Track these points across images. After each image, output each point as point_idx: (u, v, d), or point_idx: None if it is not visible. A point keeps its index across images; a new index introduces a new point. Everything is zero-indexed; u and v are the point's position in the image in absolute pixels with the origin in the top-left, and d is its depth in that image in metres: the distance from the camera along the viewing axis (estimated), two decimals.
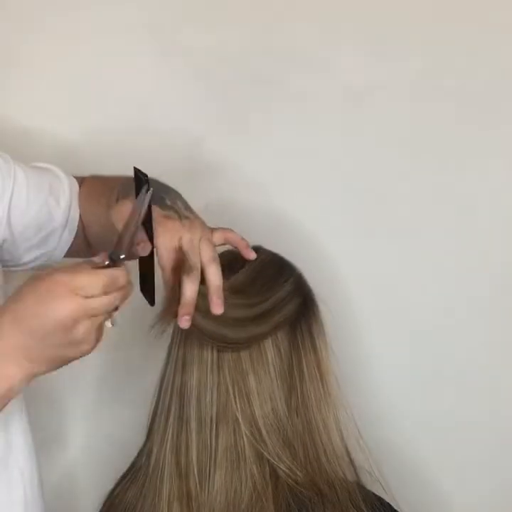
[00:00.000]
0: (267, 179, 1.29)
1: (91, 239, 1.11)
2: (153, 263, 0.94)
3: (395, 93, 1.25)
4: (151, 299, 0.94)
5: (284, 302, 0.99)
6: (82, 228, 1.11)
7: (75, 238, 1.10)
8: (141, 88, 1.29)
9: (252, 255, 0.99)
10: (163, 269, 0.92)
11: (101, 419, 1.33)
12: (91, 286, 0.79)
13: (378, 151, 1.27)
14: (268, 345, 0.97)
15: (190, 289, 0.90)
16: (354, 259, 1.29)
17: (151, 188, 0.89)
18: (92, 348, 0.82)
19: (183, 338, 0.98)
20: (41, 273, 0.81)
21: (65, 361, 0.83)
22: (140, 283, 0.95)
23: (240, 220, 1.26)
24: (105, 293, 0.80)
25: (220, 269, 0.92)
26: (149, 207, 0.90)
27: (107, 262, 0.82)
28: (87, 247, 1.12)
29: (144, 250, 0.91)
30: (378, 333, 1.30)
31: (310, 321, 1.00)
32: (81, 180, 1.13)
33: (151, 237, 0.92)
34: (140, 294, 1.25)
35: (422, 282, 1.29)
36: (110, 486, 1.06)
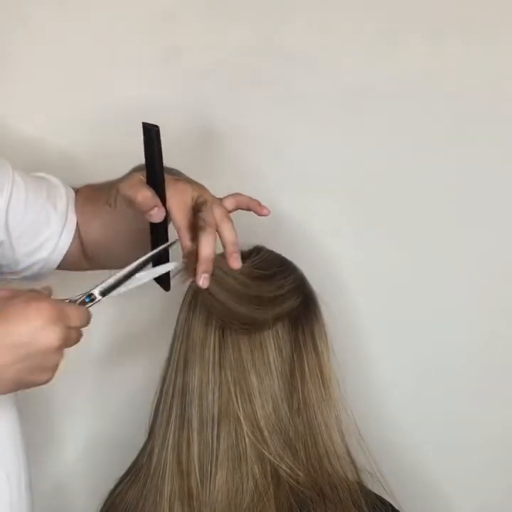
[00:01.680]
0: (267, 179, 1.29)
1: (88, 247, 1.11)
2: (166, 235, 0.93)
3: (395, 93, 1.25)
4: (165, 283, 0.93)
5: (287, 295, 1.00)
6: (79, 237, 1.10)
7: (71, 246, 1.09)
8: (140, 88, 1.28)
9: (265, 211, 1.00)
10: (178, 229, 0.91)
11: (101, 419, 1.33)
12: (77, 318, 0.83)
13: (379, 151, 1.27)
14: (270, 345, 0.97)
15: (207, 245, 0.89)
16: (355, 260, 1.29)
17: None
18: (50, 379, 0.84)
19: (185, 337, 0.99)
20: (28, 294, 0.83)
21: (23, 386, 0.84)
22: (152, 265, 0.94)
23: (240, 221, 1.26)
24: (83, 326, 0.84)
25: (234, 226, 0.92)
26: (161, 168, 0.90)
27: (80, 299, 0.86)
28: (83, 256, 1.11)
29: (157, 215, 0.91)
30: (379, 334, 1.30)
31: (312, 322, 1.01)
32: (76, 190, 1.12)
33: (163, 201, 0.91)
34: (139, 293, 1.26)
35: (424, 283, 1.29)
36: (111, 485, 1.06)
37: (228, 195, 0.99)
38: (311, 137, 1.28)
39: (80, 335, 0.84)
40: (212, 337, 0.97)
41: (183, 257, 0.92)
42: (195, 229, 0.91)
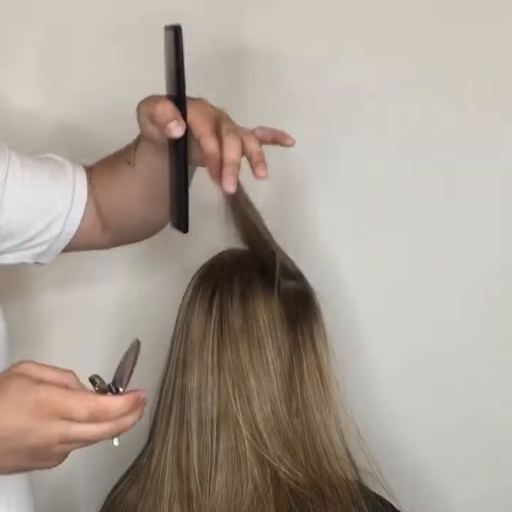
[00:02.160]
0: (267, 179, 1.28)
1: (110, 215, 1.06)
2: (186, 157, 0.87)
3: (395, 93, 1.25)
4: (184, 225, 0.87)
5: (290, 275, 1.01)
6: (98, 209, 1.06)
7: (83, 223, 1.04)
8: (140, 88, 1.28)
9: (290, 141, 0.96)
10: (200, 136, 0.85)
11: None
12: (78, 411, 0.70)
13: (378, 151, 1.27)
14: (268, 345, 0.97)
15: (232, 147, 0.83)
16: (355, 260, 1.29)
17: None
18: (56, 465, 0.76)
19: (184, 338, 0.99)
20: (28, 384, 0.73)
21: (21, 471, 0.79)
22: (170, 208, 0.89)
23: None
24: (93, 421, 0.71)
25: (258, 142, 0.88)
26: (182, 75, 0.86)
27: (99, 388, 0.74)
28: (101, 229, 1.07)
29: (176, 130, 0.85)
30: (379, 334, 1.30)
31: (311, 323, 1.01)
32: (90, 167, 1.08)
33: (184, 114, 0.86)
34: (139, 297, 1.26)
35: (423, 283, 1.29)
36: (111, 486, 1.06)
37: (252, 129, 0.93)
38: (311, 137, 1.28)
39: (95, 430, 0.71)
40: (211, 338, 0.97)
41: (206, 164, 0.85)
42: (218, 134, 0.85)
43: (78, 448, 0.75)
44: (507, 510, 1.31)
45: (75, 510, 1.34)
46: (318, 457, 0.98)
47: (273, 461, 0.96)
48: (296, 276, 1.03)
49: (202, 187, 0.93)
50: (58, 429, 0.71)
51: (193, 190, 0.91)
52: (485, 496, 1.31)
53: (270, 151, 1.27)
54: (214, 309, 0.98)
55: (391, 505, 1.00)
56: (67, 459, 1.31)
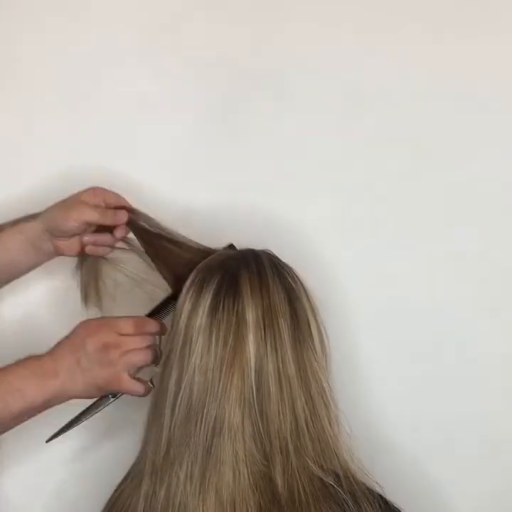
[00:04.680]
0: (267, 179, 1.29)
1: None
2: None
3: (394, 93, 1.26)
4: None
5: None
6: None
7: None
8: (140, 88, 1.29)
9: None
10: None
11: (100, 419, 1.33)
12: (124, 323, 1.02)
13: (378, 151, 1.27)
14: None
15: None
16: (354, 260, 1.28)
17: None
18: (126, 376, 1.01)
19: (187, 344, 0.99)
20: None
21: (96, 387, 1.01)
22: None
23: (240, 221, 1.26)
24: (136, 334, 1.02)
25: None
26: None
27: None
28: None
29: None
30: (377, 333, 1.29)
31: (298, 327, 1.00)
32: None
33: None
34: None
35: (423, 284, 1.28)
36: (112, 488, 1.06)
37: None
38: (311, 137, 1.28)
39: (137, 339, 1.01)
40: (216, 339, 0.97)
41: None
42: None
43: (134, 362, 1.01)
44: (507, 510, 1.31)
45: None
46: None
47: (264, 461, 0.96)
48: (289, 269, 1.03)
49: None
50: (110, 335, 1.00)
51: None
52: (484, 496, 1.31)
53: (269, 151, 1.29)
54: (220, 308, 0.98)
55: (380, 496, 0.99)
56: (65, 461, 1.31)
